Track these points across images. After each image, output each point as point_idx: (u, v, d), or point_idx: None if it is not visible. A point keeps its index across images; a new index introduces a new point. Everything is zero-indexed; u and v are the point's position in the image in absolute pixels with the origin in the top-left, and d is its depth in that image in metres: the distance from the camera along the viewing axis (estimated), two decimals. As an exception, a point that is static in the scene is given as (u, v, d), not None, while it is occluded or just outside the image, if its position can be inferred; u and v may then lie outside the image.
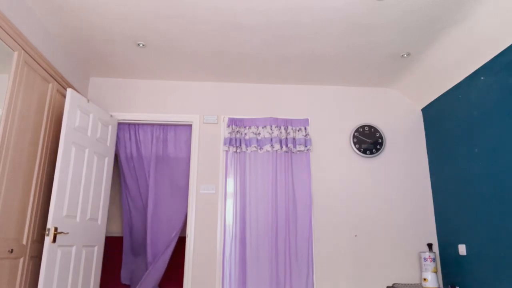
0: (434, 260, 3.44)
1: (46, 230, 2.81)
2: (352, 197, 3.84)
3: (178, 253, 4.56)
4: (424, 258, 3.47)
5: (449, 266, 3.50)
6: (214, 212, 3.71)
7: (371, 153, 3.92)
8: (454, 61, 3.30)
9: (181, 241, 4.59)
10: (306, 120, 3.97)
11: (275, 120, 3.91)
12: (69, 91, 3.13)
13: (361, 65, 3.69)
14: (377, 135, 3.97)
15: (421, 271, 3.59)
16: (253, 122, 3.91)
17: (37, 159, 2.94)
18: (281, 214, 3.69)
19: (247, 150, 3.85)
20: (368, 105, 4.11)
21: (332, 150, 3.95)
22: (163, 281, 4.42)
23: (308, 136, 3.90)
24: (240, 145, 3.84)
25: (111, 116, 3.79)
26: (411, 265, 3.69)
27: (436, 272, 3.42)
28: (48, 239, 2.79)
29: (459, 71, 3.34)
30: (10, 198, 2.58)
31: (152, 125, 4.06)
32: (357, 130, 3.98)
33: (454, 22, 2.94)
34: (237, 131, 3.88)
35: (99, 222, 3.51)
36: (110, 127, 3.74)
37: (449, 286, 3.44)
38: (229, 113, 3.99)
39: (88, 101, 3.40)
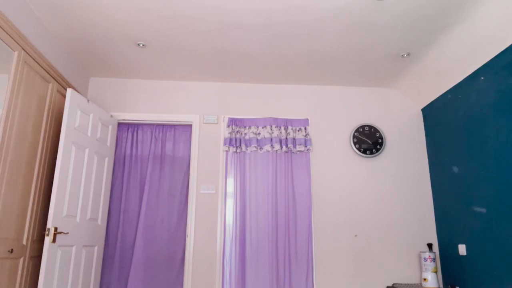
0: (434, 260, 3.44)
1: (46, 230, 2.81)
2: (352, 197, 3.84)
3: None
4: (424, 258, 3.47)
5: (449, 266, 3.50)
6: (214, 212, 3.71)
7: (371, 153, 3.92)
8: (454, 61, 3.30)
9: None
10: (306, 120, 3.97)
11: (275, 120, 3.91)
12: (69, 91, 3.13)
13: (361, 65, 3.69)
14: (377, 135, 3.97)
15: (421, 271, 3.60)
16: (253, 122, 3.91)
17: (37, 159, 2.94)
18: (281, 214, 3.69)
19: (247, 150, 3.85)
20: (368, 105, 4.11)
21: (332, 150, 3.95)
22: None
23: (308, 136, 3.90)
24: (240, 145, 3.84)
25: (111, 116, 3.80)
26: (411, 265, 3.69)
27: (436, 272, 3.42)
28: (48, 239, 2.79)
29: (459, 71, 3.34)
30: (10, 198, 2.58)
31: (152, 125, 4.06)
32: (357, 130, 3.98)
33: (454, 22, 2.94)
34: (237, 131, 3.88)
35: (99, 222, 3.51)
36: (110, 127, 3.74)
37: (449, 286, 3.44)
38: (229, 113, 3.99)
39: (88, 101, 3.40)
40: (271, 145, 3.84)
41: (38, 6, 2.82)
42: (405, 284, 3.60)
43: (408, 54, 3.46)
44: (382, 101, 4.13)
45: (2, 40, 2.44)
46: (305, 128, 3.92)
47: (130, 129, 4.04)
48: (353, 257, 3.69)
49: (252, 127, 3.89)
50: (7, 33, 2.49)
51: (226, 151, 3.83)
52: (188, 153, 4.01)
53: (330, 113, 4.06)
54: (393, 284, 3.62)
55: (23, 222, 2.76)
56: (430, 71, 3.59)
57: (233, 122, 3.90)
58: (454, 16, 2.88)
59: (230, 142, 3.82)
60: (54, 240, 2.83)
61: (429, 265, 3.43)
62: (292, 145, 3.84)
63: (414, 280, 3.66)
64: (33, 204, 2.87)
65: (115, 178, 3.90)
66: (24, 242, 2.77)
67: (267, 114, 4.01)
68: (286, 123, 3.93)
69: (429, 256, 3.44)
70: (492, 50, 2.93)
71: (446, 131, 3.61)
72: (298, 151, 3.85)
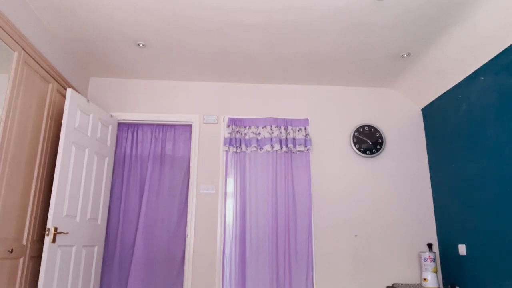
0: (434, 260, 3.44)
1: (46, 230, 2.81)
2: (352, 197, 3.84)
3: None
4: (424, 258, 3.47)
5: (449, 266, 3.50)
6: (214, 212, 3.71)
7: (371, 153, 3.92)
8: (454, 61, 3.30)
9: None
10: (306, 120, 3.97)
11: (275, 120, 3.92)
12: (69, 91, 3.13)
13: (361, 65, 3.69)
14: (377, 135, 3.97)
15: (421, 271, 3.59)
16: (253, 122, 3.91)
17: (37, 159, 2.94)
18: (281, 214, 3.70)
19: (247, 150, 3.85)
20: (368, 105, 4.11)
21: (332, 150, 3.95)
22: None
23: (308, 136, 3.90)
24: (240, 145, 3.84)
25: (111, 116, 3.80)
26: (411, 265, 3.69)
27: (436, 272, 3.42)
28: (48, 239, 2.79)
29: (459, 71, 3.34)
30: (10, 198, 2.58)
31: (152, 125, 4.06)
32: (357, 130, 3.98)
33: (454, 22, 2.95)
34: (237, 131, 3.88)
35: (99, 222, 3.51)
36: (110, 127, 3.74)
37: (449, 286, 3.44)
38: (229, 113, 3.99)
39: (88, 101, 3.40)
40: (271, 145, 3.84)
41: (38, 6, 2.82)
42: (405, 284, 3.60)
43: (408, 54, 3.46)
44: (382, 101, 4.13)
45: (2, 40, 2.44)
46: (305, 128, 3.92)
47: (130, 129, 4.04)
48: (353, 257, 3.69)
49: (252, 127, 3.89)
50: (7, 33, 2.49)
51: (226, 151, 3.83)
52: (188, 153, 4.01)
53: (330, 113, 4.06)
54: (393, 284, 3.62)
55: (23, 222, 2.76)
56: (430, 71, 3.59)
57: (233, 122, 3.90)
58: (454, 16, 2.88)
59: (230, 142, 3.82)
60: (54, 240, 2.83)
61: (429, 265, 3.43)
62: (292, 145, 3.84)
63: (414, 280, 3.66)
64: (33, 204, 2.87)
65: (115, 178, 3.90)
66: (24, 242, 2.77)
67: (267, 114, 4.01)
68: (286, 123, 3.93)
69: (429, 256, 3.45)
70: (492, 50, 2.93)
71: (446, 131, 3.61)
72: (298, 151, 3.85)
